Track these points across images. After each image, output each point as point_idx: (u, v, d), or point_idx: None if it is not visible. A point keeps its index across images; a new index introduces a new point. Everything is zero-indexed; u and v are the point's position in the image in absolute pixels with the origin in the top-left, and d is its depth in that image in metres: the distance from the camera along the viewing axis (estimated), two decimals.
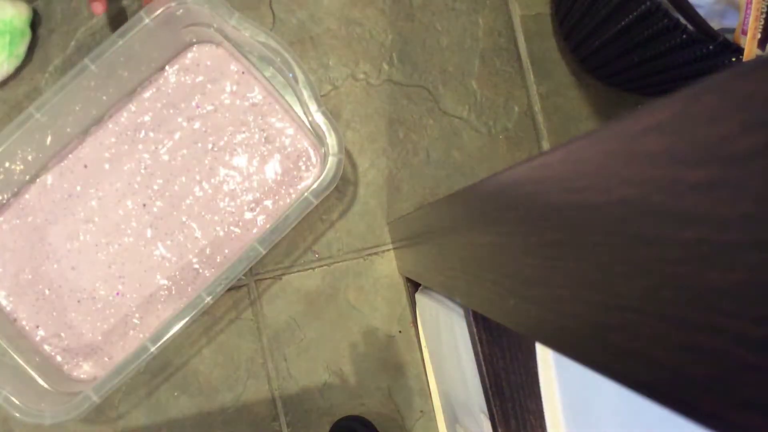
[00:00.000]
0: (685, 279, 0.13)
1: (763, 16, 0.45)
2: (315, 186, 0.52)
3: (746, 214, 0.11)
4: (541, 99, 0.65)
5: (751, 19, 0.45)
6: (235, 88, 0.60)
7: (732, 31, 0.48)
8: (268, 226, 0.57)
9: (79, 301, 0.58)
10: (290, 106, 0.58)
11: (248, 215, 0.60)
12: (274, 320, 0.62)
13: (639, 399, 0.15)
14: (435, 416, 0.63)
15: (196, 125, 0.59)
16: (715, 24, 0.47)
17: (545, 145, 0.66)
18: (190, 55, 0.59)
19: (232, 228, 0.60)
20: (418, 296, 0.60)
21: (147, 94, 0.59)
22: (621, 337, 0.16)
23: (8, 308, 0.58)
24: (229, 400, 0.62)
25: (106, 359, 0.58)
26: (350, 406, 0.63)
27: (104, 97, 0.57)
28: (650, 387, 0.15)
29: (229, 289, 0.61)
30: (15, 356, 0.54)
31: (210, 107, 0.60)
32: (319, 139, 0.56)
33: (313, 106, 0.53)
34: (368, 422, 0.62)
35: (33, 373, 0.55)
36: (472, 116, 0.65)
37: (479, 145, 0.65)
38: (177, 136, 0.59)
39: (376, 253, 0.63)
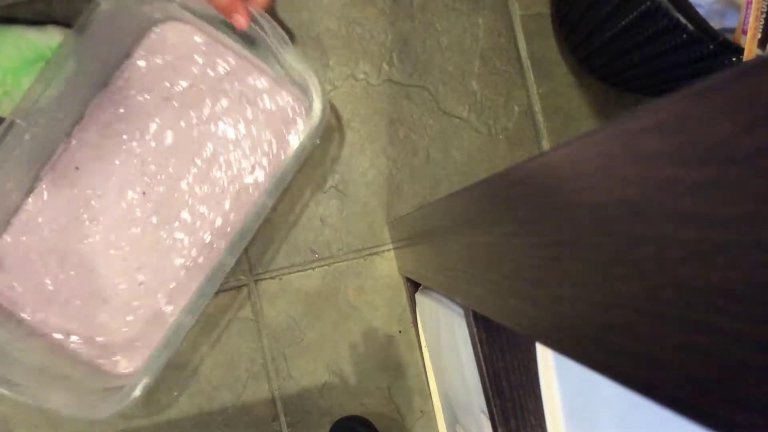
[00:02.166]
0: (685, 279, 0.13)
1: (763, 16, 0.45)
2: (306, 130, 0.52)
3: (746, 214, 0.11)
4: (541, 99, 0.65)
5: (751, 19, 0.45)
6: (204, 59, 0.59)
7: (732, 31, 0.48)
8: (269, 181, 0.57)
9: (104, 301, 0.58)
10: (264, 62, 0.58)
11: (248, 179, 0.60)
12: (274, 320, 0.62)
13: (639, 399, 0.15)
14: (435, 416, 0.63)
15: (175, 104, 0.59)
16: (715, 24, 0.47)
17: (545, 145, 0.66)
18: (153, 36, 0.59)
19: (235, 196, 0.60)
20: (418, 296, 0.60)
21: (119, 84, 0.58)
22: (621, 337, 0.16)
23: (36, 324, 0.57)
24: (229, 400, 0.62)
25: (145, 349, 0.58)
26: (350, 406, 0.63)
27: (80, 96, 0.56)
28: (650, 387, 0.15)
29: (229, 289, 0.62)
30: (55, 366, 0.54)
31: (184, 83, 0.59)
32: (299, 86, 0.55)
33: (284, 52, 0.52)
34: (368, 422, 0.62)
35: (76, 378, 0.54)
36: (472, 116, 0.65)
37: (479, 145, 0.65)
38: (158, 120, 0.59)
39: (376, 253, 0.63)
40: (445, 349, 0.50)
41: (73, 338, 0.58)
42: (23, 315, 0.57)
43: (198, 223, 0.59)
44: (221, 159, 0.60)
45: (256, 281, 0.62)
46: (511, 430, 0.35)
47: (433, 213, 0.41)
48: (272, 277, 0.62)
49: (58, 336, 0.57)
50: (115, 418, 0.60)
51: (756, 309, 0.11)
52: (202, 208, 0.59)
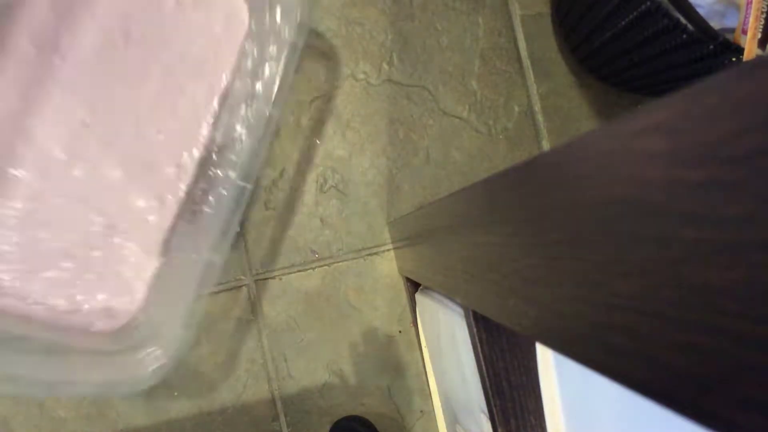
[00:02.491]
0: (685, 279, 0.13)
1: (763, 16, 0.45)
2: (284, 29, 0.48)
3: (746, 214, 0.11)
4: (541, 99, 0.65)
5: (751, 19, 0.45)
6: None
7: (732, 31, 0.48)
8: (264, 91, 0.52)
9: (116, 263, 0.52)
10: None
11: (241, 93, 0.54)
12: (274, 320, 0.62)
13: (639, 399, 0.15)
14: (435, 416, 0.63)
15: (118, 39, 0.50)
16: (715, 24, 0.47)
17: (545, 145, 0.66)
18: None
19: (240, 117, 0.54)
20: (418, 296, 0.60)
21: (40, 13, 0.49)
22: (621, 337, 0.16)
23: (37, 301, 0.52)
24: (229, 400, 0.62)
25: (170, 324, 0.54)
26: (350, 406, 0.63)
27: None
28: (650, 387, 0.15)
29: (229, 289, 0.62)
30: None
31: (141, 17, 0.51)
32: None
33: None
34: (368, 422, 0.62)
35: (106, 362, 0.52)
36: (472, 116, 0.65)
37: (479, 145, 0.65)
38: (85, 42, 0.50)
39: (376, 253, 0.63)
40: (445, 349, 0.50)
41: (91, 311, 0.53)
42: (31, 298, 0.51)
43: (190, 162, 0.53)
44: (203, 82, 0.53)
45: (256, 281, 0.62)
46: (511, 430, 0.35)
47: (433, 213, 0.41)
48: (272, 277, 0.62)
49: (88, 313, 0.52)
50: (141, 395, 0.60)
51: (756, 309, 0.11)
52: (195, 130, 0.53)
